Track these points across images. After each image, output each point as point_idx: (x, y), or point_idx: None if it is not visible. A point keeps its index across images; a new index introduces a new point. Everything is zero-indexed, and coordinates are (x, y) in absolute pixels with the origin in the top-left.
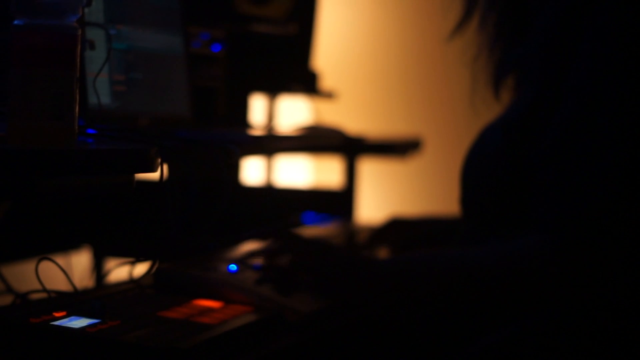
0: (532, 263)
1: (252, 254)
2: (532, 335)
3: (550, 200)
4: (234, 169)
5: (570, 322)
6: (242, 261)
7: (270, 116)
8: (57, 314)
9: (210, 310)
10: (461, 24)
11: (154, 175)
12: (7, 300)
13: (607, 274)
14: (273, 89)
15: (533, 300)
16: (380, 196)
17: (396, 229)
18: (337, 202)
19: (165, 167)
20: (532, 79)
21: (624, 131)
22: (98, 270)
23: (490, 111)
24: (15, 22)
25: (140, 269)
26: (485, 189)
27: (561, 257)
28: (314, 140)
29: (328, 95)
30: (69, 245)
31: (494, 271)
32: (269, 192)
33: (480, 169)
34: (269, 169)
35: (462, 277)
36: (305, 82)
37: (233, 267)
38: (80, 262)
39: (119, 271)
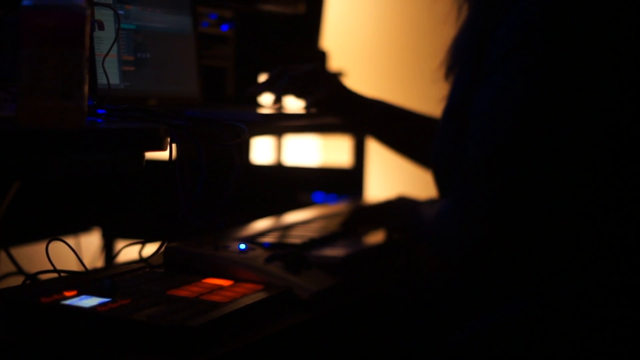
0: (444, 226)
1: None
2: (521, 319)
3: (459, 175)
4: (243, 148)
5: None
6: (251, 240)
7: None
8: (67, 293)
9: (220, 288)
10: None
11: (164, 155)
12: (17, 281)
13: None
14: None
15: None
16: (388, 175)
17: None
18: (346, 181)
19: (174, 146)
20: (460, 66)
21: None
22: (108, 251)
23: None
24: (24, 2)
25: (150, 248)
26: (447, 174)
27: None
28: (323, 118)
29: (337, 75)
30: (79, 226)
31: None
32: (278, 171)
33: (438, 155)
34: (278, 148)
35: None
36: (313, 61)
37: (242, 245)
38: (90, 244)
39: (129, 252)
